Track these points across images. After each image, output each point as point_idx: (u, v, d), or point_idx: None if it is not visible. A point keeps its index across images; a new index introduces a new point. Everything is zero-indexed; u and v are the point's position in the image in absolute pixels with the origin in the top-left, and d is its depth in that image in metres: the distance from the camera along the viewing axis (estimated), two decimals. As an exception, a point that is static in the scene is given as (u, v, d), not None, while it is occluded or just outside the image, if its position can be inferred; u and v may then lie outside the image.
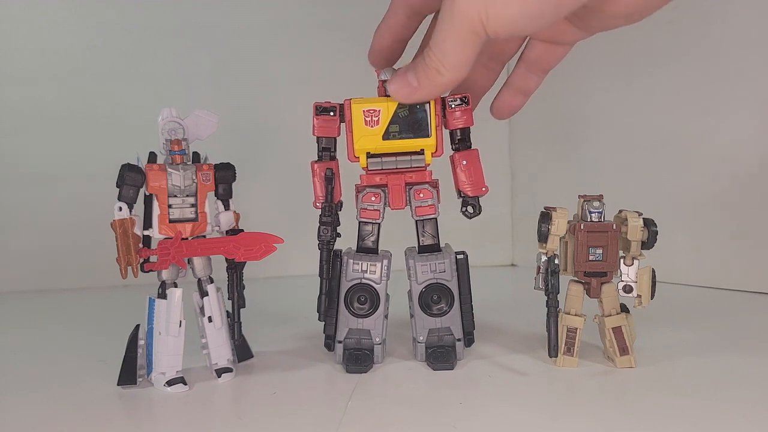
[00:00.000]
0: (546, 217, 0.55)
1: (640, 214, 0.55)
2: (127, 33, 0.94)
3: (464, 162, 0.56)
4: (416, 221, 0.57)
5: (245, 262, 0.55)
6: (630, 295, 0.55)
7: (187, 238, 0.54)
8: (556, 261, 0.55)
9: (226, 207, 0.56)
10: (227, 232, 0.56)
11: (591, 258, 0.55)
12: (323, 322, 0.57)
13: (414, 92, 0.51)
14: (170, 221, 0.53)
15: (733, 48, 0.78)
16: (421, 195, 0.56)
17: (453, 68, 0.48)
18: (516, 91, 0.58)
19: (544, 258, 0.55)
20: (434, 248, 0.57)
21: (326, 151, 0.56)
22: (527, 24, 0.45)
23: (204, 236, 0.55)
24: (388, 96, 0.54)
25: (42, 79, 0.93)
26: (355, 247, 0.57)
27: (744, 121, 0.79)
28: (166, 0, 0.95)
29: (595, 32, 0.53)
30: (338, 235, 0.56)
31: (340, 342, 0.57)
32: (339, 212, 0.57)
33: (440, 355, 0.55)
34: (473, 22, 0.44)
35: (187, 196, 0.54)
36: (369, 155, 0.55)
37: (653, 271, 0.55)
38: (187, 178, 0.54)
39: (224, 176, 0.55)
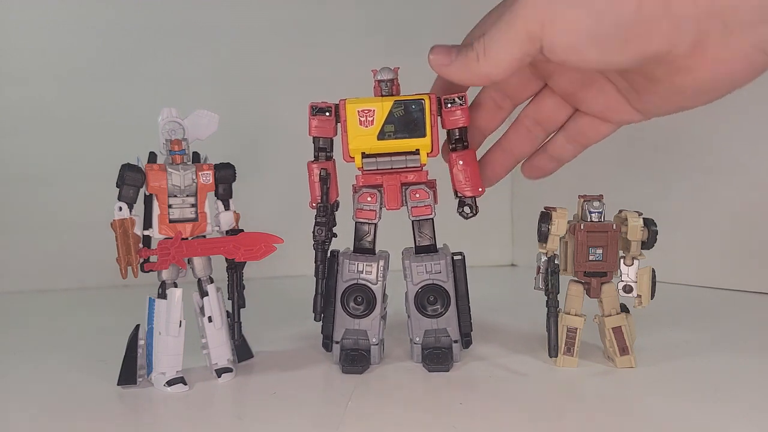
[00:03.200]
0: (546, 217, 0.55)
1: (640, 214, 0.55)
2: (127, 33, 0.94)
3: (461, 162, 0.56)
4: (413, 222, 0.57)
5: (245, 262, 0.55)
6: (630, 295, 0.55)
7: (187, 238, 0.54)
8: (556, 261, 0.55)
9: (226, 207, 0.56)
10: (227, 232, 0.56)
11: (591, 258, 0.55)
12: (321, 323, 0.57)
13: (446, 65, 0.49)
14: (170, 221, 0.53)
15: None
16: (417, 195, 0.56)
17: (491, 60, 0.45)
18: (551, 158, 0.58)
19: (544, 258, 0.55)
20: (431, 249, 0.57)
21: (322, 151, 0.56)
22: (586, 53, 0.42)
23: (204, 236, 0.55)
24: (384, 96, 0.54)
25: (42, 79, 0.93)
26: (352, 248, 0.58)
27: (744, 120, 0.79)
28: (166, 0, 0.95)
29: (650, 115, 0.50)
30: (334, 235, 0.56)
31: (337, 342, 0.57)
32: (335, 212, 0.56)
33: (436, 357, 0.55)
34: (533, 26, 0.42)
35: (187, 196, 0.54)
36: (364, 155, 0.55)
37: (653, 271, 0.55)
38: (187, 178, 0.54)
39: (224, 176, 0.55)
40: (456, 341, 0.56)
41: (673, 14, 0.39)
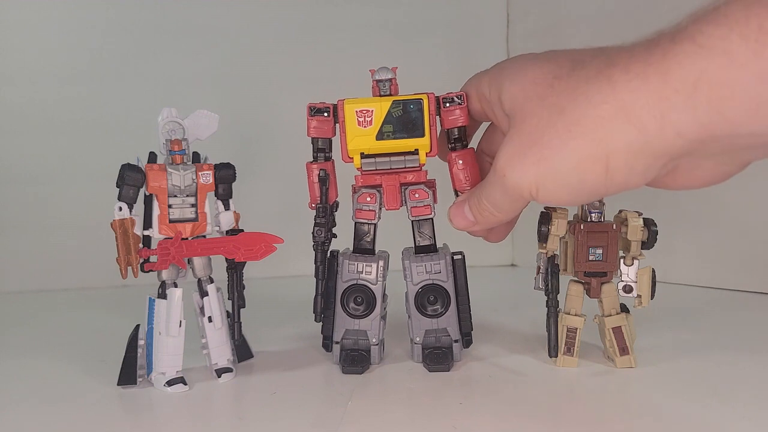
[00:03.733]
0: (546, 217, 0.55)
1: (640, 214, 0.55)
2: (127, 33, 0.94)
3: (460, 162, 0.56)
4: (412, 222, 0.57)
5: (245, 262, 0.55)
6: (630, 295, 0.55)
7: (187, 238, 0.54)
8: (556, 261, 0.55)
9: (226, 207, 0.56)
10: (227, 232, 0.56)
11: (591, 258, 0.55)
12: (321, 323, 0.57)
13: (472, 226, 0.53)
14: (170, 221, 0.53)
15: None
16: (417, 195, 0.56)
17: (507, 213, 0.50)
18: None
19: (544, 258, 0.55)
20: (431, 249, 0.57)
21: (321, 151, 0.56)
22: (574, 203, 0.48)
23: (204, 236, 0.55)
24: (383, 96, 0.54)
25: (42, 80, 0.93)
26: (351, 248, 0.58)
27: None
28: (167, 0, 0.95)
29: None
30: (334, 235, 0.56)
31: (337, 343, 0.57)
32: (335, 213, 0.56)
33: (436, 357, 0.55)
34: (523, 193, 0.46)
35: (187, 196, 0.54)
36: (363, 155, 0.55)
37: (653, 271, 0.55)
38: (187, 178, 0.54)
39: (224, 176, 0.55)
40: (456, 341, 0.56)
41: (638, 170, 0.42)
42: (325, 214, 0.55)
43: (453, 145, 0.56)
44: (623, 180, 0.43)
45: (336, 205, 0.57)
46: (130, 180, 0.53)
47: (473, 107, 0.54)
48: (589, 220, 0.55)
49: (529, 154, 0.45)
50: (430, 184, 0.57)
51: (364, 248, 0.57)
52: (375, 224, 0.57)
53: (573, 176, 0.43)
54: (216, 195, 0.56)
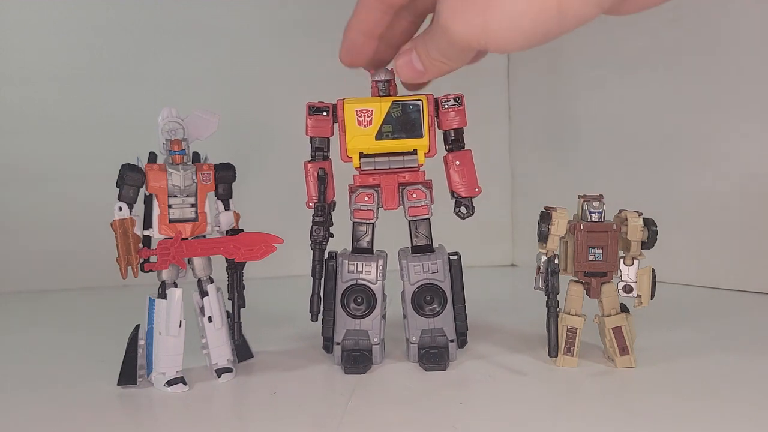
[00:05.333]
0: (546, 217, 0.55)
1: (640, 214, 0.55)
2: (127, 33, 0.95)
3: (457, 162, 0.56)
4: (409, 222, 0.57)
5: (245, 262, 0.55)
6: (630, 295, 0.55)
7: (187, 238, 0.54)
8: (556, 261, 0.55)
9: (226, 207, 0.56)
10: (227, 232, 0.56)
11: (591, 258, 0.55)
12: (320, 323, 0.56)
13: (420, 76, 0.50)
14: (170, 221, 0.53)
15: (734, 47, 0.78)
16: (414, 195, 0.56)
17: (457, 61, 0.47)
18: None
19: (544, 258, 0.55)
20: (427, 249, 0.57)
21: (319, 151, 0.57)
22: (529, 47, 0.43)
23: (204, 236, 0.55)
24: (382, 96, 0.54)
25: (42, 80, 0.93)
26: (349, 248, 0.57)
27: (745, 120, 0.79)
28: (166, 0, 0.95)
29: None
30: (331, 235, 0.56)
31: (338, 344, 0.57)
32: (332, 212, 0.56)
33: (432, 356, 0.55)
34: (471, 44, 0.44)
35: (187, 196, 0.54)
36: (362, 155, 0.55)
37: (653, 271, 0.55)
38: (187, 178, 0.54)
39: (224, 176, 0.56)
40: (452, 340, 0.56)
41: None
42: (324, 213, 0.55)
43: (450, 146, 0.56)
44: (578, 13, 0.40)
45: (333, 204, 0.57)
46: (130, 180, 0.53)
47: None
48: (589, 220, 0.55)
49: (472, 4, 0.42)
50: (428, 185, 0.57)
51: (362, 248, 0.57)
52: (373, 224, 0.57)
53: (524, 20, 0.41)
54: (216, 195, 0.56)
